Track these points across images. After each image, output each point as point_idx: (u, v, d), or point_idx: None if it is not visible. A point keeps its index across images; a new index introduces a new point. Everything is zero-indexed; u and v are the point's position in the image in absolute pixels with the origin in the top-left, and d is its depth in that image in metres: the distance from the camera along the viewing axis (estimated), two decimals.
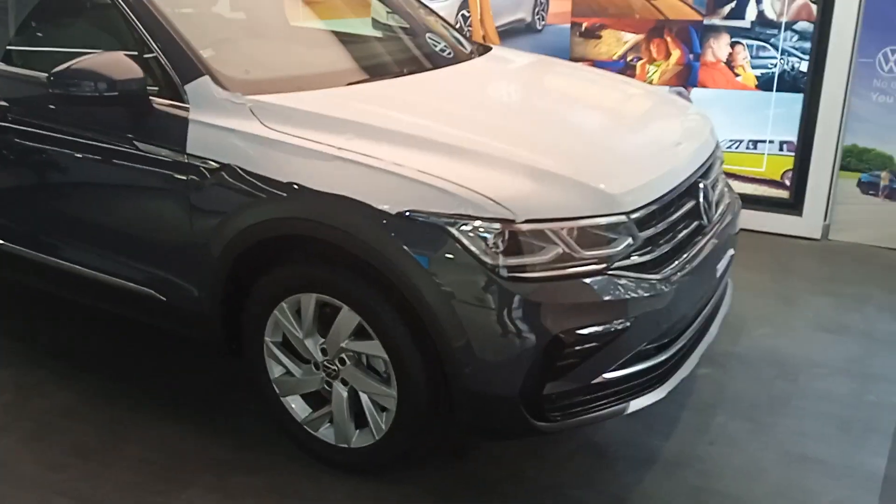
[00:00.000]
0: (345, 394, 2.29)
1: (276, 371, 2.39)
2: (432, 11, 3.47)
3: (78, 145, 2.52)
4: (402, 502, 2.28)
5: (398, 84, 2.64)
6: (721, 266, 2.52)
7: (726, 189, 2.83)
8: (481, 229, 1.98)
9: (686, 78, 4.36)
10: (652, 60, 4.43)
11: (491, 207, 1.97)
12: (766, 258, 4.00)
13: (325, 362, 2.29)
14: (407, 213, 2.00)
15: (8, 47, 2.75)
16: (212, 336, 2.47)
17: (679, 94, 4.36)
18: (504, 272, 1.98)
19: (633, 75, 4.46)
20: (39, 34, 2.90)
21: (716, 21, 4.20)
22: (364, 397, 2.27)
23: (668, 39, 4.34)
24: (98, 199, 2.58)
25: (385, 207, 2.01)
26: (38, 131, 2.60)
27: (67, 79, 2.29)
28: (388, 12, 3.34)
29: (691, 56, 4.32)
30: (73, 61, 2.29)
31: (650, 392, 2.24)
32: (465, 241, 1.98)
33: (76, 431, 2.59)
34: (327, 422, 2.37)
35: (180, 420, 2.64)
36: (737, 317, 3.28)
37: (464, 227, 1.98)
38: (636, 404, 2.20)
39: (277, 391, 2.41)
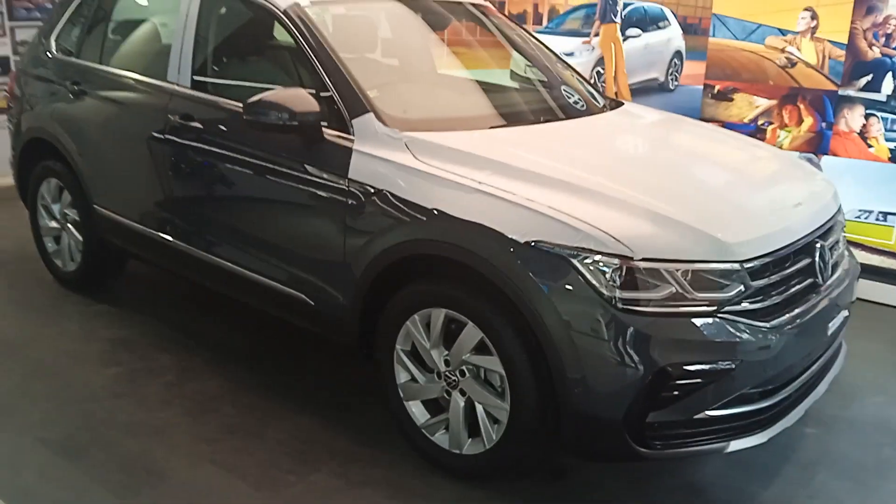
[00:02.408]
0: (462, 403, 2.52)
1: (402, 377, 2.67)
2: (569, 66, 3.73)
3: (256, 165, 2.92)
4: None
5: (535, 130, 2.91)
6: (833, 325, 2.60)
7: (846, 253, 2.90)
8: (601, 263, 2.19)
9: (817, 145, 4.40)
10: (783, 126, 4.50)
11: (611, 243, 2.19)
12: (887, 330, 3.94)
13: (447, 372, 2.54)
14: (533, 243, 2.24)
15: (205, 78, 3.22)
16: (350, 340, 2.78)
17: (809, 160, 4.40)
18: (619, 304, 2.18)
19: (763, 139, 4.54)
20: (233, 69, 3.37)
21: (851, 92, 4.24)
22: (479, 408, 2.49)
23: (802, 107, 4.41)
24: (267, 212, 2.97)
25: (515, 236, 2.26)
26: (224, 151, 3.04)
27: (258, 109, 2.69)
28: (527, 65, 3.64)
29: (824, 124, 4.36)
30: (264, 94, 2.70)
31: (752, 435, 2.35)
32: (586, 273, 2.19)
33: (225, 413, 2.96)
34: (443, 428, 2.61)
35: (314, 413, 2.96)
36: (850, 383, 3.28)
37: (585, 260, 2.20)
38: (736, 444, 2.32)
39: (401, 395, 2.68)
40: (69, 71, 3.80)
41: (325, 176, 2.70)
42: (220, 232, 3.17)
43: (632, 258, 2.18)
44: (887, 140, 4.21)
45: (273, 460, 2.67)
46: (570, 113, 3.25)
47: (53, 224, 4.03)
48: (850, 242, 4.08)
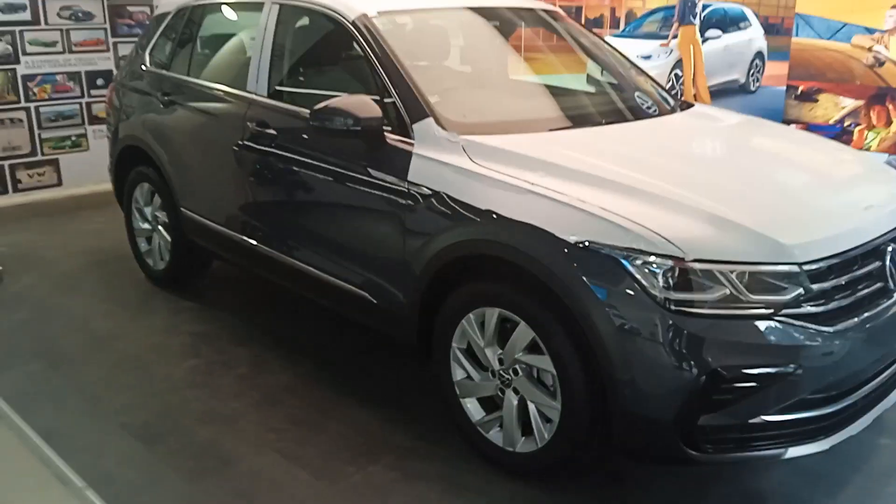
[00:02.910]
0: (515, 401, 2.55)
1: (458, 374, 2.72)
2: (638, 68, 3.70)
3: (324, 169, 3.05)
4: None
5: (595, 132, 2.91)
6: None
7: None
8: (652, 264, 2.18)
9: None
10: (871, 127, 4.31)
11: (662, 244, 2.17)
12: None
13: (501, 371, 2.58)
14: (585, 244, 2.25)
15: (280, 87, 3.39)
16: (409, 337, 2.85)
17: None
18: (671, 306, 2.16)
19: (849, 140, 4.36)
20: (304, 78, 3.53)
21: None
22: (532, 407, 2.51)
23: (891, 107, 4.21)
24: (333, 213, 3.09)
25: (566, 237, 2.28)
26: (294, 156, 3.18)
27: (324, 115, 2.81)
28: (596, 69, 3.63)
29: None
30: (329, 101, 2.82)
31: (812, 442, 2.28)
32: (637, 274, 2.18)
33: (291, 405, 3.09)
34: (497, 425, 2.64)
35: (374, 408, 3.05)
36: None
37: (636, 261, 2.19)
38: (795, 451, 2.25)
39: (458, 392, 2.73)
40: (161, 83, 4.05)
41: (386, 179, 2.79)
42: (292, 233, 3.31)
43: (683, 259, 2.16)
44: None
45: (334, 451, 2.77)
46: (636, 114, 3.23)
47: (146, 226, 4.30)
48: None
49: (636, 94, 3.45)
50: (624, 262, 2.20)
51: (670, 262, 2.16)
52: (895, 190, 2.77)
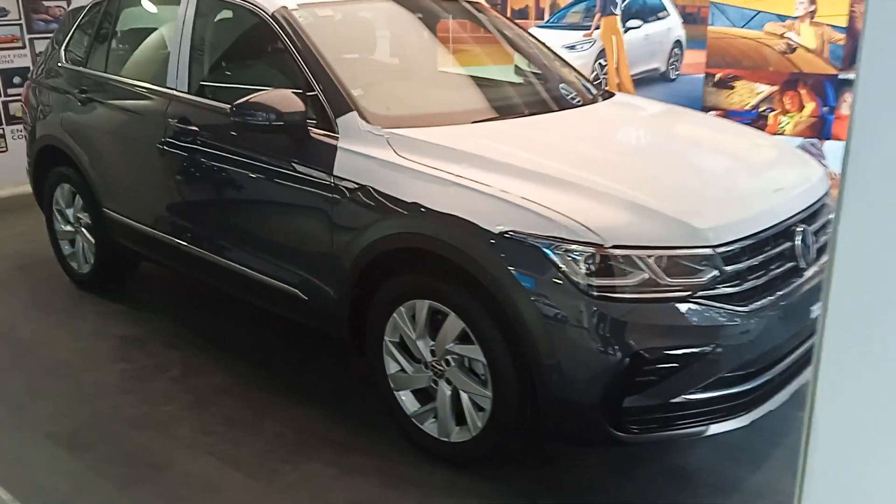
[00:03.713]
0: (448, 392, 2.58)
1: (392, 367, 2.73)
2: (560, 58, 3.76)
3: (248, 165, 3.01)
4: (491, 496, 2.52)
5: (518, 123, 2.95)
6: (817, 309, 2.60)
7: None
8: (574, 251, 2.23)
9: (819, 130, 4.37)
10: (785, 112, 4.48)
11: (582, 232, 2.23)
12: None
13: (433, 362, 2.61)
14: (508, 234, 2.29)
15: (201, 83, 3.33)
16: (342, 333, 2.85)
17: (812, 145, 4.38)
18: (593, 291, 2.22)
19: (765, 126, 4.53)
20: (227, 73, 3.48)
21: (852, 75, 4.20)
22: (464, 397, 2.55)
23: (803, 92, 4.39)
24: (260, 210, 3.06)
25: (490, 227, 2.32)
26: (217, 152, 3.14)
27: (246, 110, 2.78)
28: (519, 60, 3.68)
29: (826, 109, 4.34)
30: (251, 96, 2.79)
31: (732, 419, 2.37)
32: (559, 262, 2.24)
33: (226, 405, 3.06)
34: (432, 416, 2.67)
35: (310, 405, 3.04)
36: None
37: (558, 250, 2.24)
38: (716, 428, 2.34)
39: (392, 386, 2.75)
40: (78, 80, 3.93)
41: (312, 174, 2.78)
42: (220, 232, 3.27)
43: (603, 245, 2.22)
44: None
45: (270, 451, 2.76)
46: (560, 105, 3.29)
47: (68, 228, 4.18)
48: None
49: (560, 84, 3.51)
50: (546, 250, 2.25)
51: (591, 250, 2.22)
52: (806, 172, 2.90)
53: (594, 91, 3.55)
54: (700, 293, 2.26)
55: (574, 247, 2.23)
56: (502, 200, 2.35)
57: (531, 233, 2.27)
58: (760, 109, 4.55)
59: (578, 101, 3.36)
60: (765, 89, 4.52)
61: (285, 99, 2.77)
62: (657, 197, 2.38)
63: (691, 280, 2.26)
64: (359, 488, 2.57)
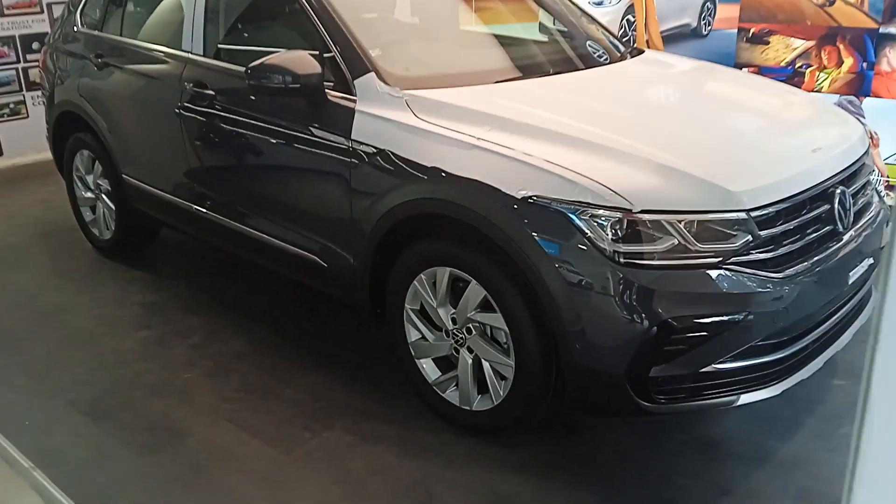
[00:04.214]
0: (469, 360, 2.52)
1: (412, 335, 2.68)
2: (590, 16, 3.62)
3: (266, 130, 2.94)
4: (513, 466, 2.47)
5: (543, 82, 2.84)
6: (856, 274, 2.49)
7: (875, 199, 2.77)
8: (601, 217, 2.14)
9: (858, 87, 4.19)
10: (822, 68, 4.29)
11: (609, 196, 2.13)
12: None
13: (455, 330, 2.54)
14: (532, 199, 2.20)
15: (217, 45, 3.25)
16: (362, 300, 2.80)
17: (850, 103, 4.20)
18: (620, 258, 2.13)
19: (801, 82, 4.34)
20: (244, 34, 3.39)
21: (893, 30, 4.01)
22: (486, 365, 2.49)
23: (841, 47, 4.19)
24: (278, 176, 2.99)
25: (512, 192, 2.23)
26: (234, 117, 3.06)
27: (261, 72, 2.70)
28: (546, 17, 3.54)
29: (865, 64, 4.14)
30: (266, 58, 2.70)
31: (764, 388, 2.29)
32: (585, 227, 2.15)
33: (245, 372, 3.03)
34: (454, 385, 2.62)
35: (330, 372, 3.01)
36: None
37: (584, 214, 2.15)
38: (747, 398, 2.26)
39: (413, 353, 2.69)
40: (94, 44, 3.87)
41: (329, 138, 2.70)
42: (238, 199, 3.22)
43: (631, 210, 2.12)
44: None
45: (288, 418, 2.73)
46: (586, 63, 3.16)
47: (89, 194, 4.15)
48: (891, 186, 3.91)
49: (587, 41, 3.38)
50: (572, 215, 2.16)
51: (618, 214, 2.13)
52: (844, 131, 2.76)
53: (622, 48, 3.41)
54: (732, 259, 2.16)
55: (600, 212, 2.14)
56: (525, 164, 2.25)
57: (555, 197, 2.18)
58: (797, 66, 4.37)
59: (606, 59, 3.23)
60: (801, 44, 4.33)
61: (301, 60, 2.68)
62: (688, 159, 2.27)
63: (723, 245, 2.16)
64: (378, 456, 2.54)
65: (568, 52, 3.32)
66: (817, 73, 4.32)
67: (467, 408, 2.57)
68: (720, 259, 2.15)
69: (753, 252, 2.19)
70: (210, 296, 3.70)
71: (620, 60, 3.25)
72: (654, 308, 2.12)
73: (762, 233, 2.20)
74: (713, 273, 2.14)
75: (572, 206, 2.16)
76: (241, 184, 3.19)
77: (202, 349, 3.22)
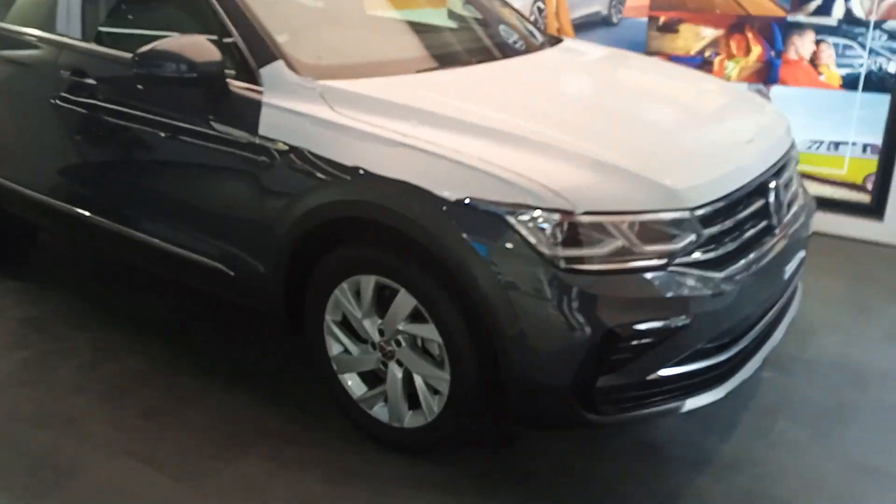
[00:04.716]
0: (399, 374, 2.32)
1: (334, 349, 2.45)
2: (506, 3, 3.46)
3: (159, 124, 2.62)
4: (448, 485, 2.30)
5: (466, 73, 2.65)
6: (790, 268, 2.45)
7: (800, 190, 2.74)
8: (540, 220, 1.98)
9: (766, 75, 4.23)
10: (731, 56, 4.31)
11: (550, 198, 1.97)
12: (843, 264, 3.86)
13: (382, 343, 2.34)
14: (466, 201, 2.02)
15: (99, 28, 2.88)
16: (275, 312, 2.55)
17: (758, 91, 4.23)
18: (561, 263, 1.98)
19: (710, 71, 4.35)
20: (129, 17, 3.03)
21: (801, 18, 4.06)
22: (418, 379, 2.30)
23: (750, 35, 4.22)
24: (175, 176, 2.68)
25: (445, 194, 2.04)
26: (122, 109, 2.72)
27: (151, 60, 2.39)
28: (463, 3, 3.36)
29: (773, 53, 4.19)
30: (157, 43, 2.39)
31: (708, 391, 2.20)
32: (524, 231, 1.98)
33: (144, 395, 2.72)
34: (382, 401, 2.41)
35: (241, 390, 2.74)
36: (807, 322, 3.18)
37: (522, 217, 1.98)
38: (692, 403, 2.17)
39: (335, 368, 2.47)
40: None
41: (233, 133, 2.42)
42: (129, 201, 2.88)
43: (573, 212, 1.97)
44: (838, 66, 4.06)
45: (196, 446, 2.46)
46: (505, 52, 2.99)
47: None
48: (801, 175, 3.95)
49: (502, 28, 3.21)
50: (509, 218, 1.99)
51: (559, 217, 1.97)
52: (772, 121, 2.72)
53: (540, 37, 3.27)
54: (677, 260, 2.05)
55: (540, 214, 1.98)
56: (457, 163, 2.06)
57: (491, 199, 2.00)
58: (706, 54, 4.37)
59: (525, 49, 3.08)
60: (710, 33, 4.33)
61: (198, 46, 2.39)
62: (628, 155, 2.14)
63: (668, 247, 2.04)
64: (300, 485, 2.31)
65: (485, 41, 3.14)
66: (726, 61, 4.34)
67: (398, 425, 2.38)
68: (665, 261, 2.04)
69: (697, 252, 2.09)
70: (100, 308, 3.32)
71: (540, 49, 3.10)
72: (599, 316, 1.98)
73: (705, 231, 2.10)
74: (657, 276, 2.03)
75: (510, 209, 1.99)
76: (128, 184, 2.85)
77: (92, 370, 2.88)
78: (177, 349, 3.01)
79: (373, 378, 2.44)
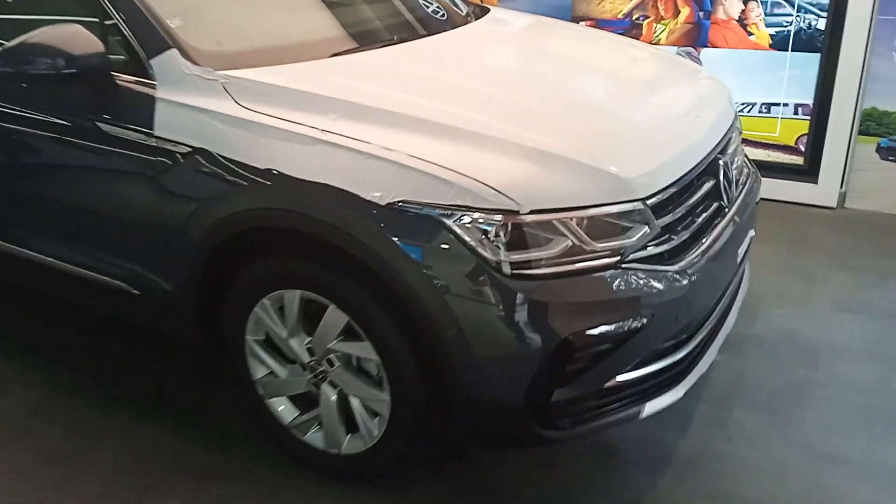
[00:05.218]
0: (333, 397, 2.10)
1: (259, 371, 2.21)
2: None
3: (41, 128, 2.28)
4: None
5: (387, 54, 2.38)
6: (741, 250, 2.32)
7: (745, 162, 2.62)
8: (481, 221, 1.76)
9: (696, 37, 4.10)
10: (659, 19, 4.16)
11: (491, 196, 1.76)
12: (781, 229, 3.80)
13: (313, 363, 2.10)
14: (398, 204, 1.79)
15: None
16: (189, 333, 2.27)
17: (689, 55, 4.11)
18: (507, 269, 1.77)
19: (639, 35, 4.20)
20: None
21: None
22: (354, 401, 2.08)
23: None
24: (62, 186, 2.35)
25: (374, 197, 1.80)
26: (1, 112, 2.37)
27: (20, 56, 2.05)
28: None
29: (701, 14, 4.06)
30: (26, 35, 2.05)
31: (667, 392, 2.06)
32: (464, 235, 1.77)
33: (44, 434, 2.41)
34: (316, 425, 2.19)
35: (156, 420, 2.46)
36: (752, 294, 3.07)
37: (462, 220, 1.77)
38: (652, 407, 2.02)
39: (261, 392, 2.22)
40: None
41: (125, 135, 2.11)
42: (11, 216, 2.53)
43: (517, 212, 1.76)
44: (768, 26, 3.96)
45: (108, 493, 2.18)
46: (429, 27, 2.74)
47: None
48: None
49: (425, 1, 2.95)
50: (447, 221, 1.77)
51: (502, 217, 1.76)
52: (715, 91, 2.57)
53: (464, 7, 3.02)
54: (630, 256, 1.88)
55: (482, 215, 1.76)
56: (385, 161, 1.82)
57: (426, 202, 1.77)
58: (634, 17, 4.21)
59: (449, 22, 2.83)
60: None
61: (75, 37, 2.06)
62: (571, 142, 1.94)
63: (619, 242, 1.86)
64: None
65: (406, 16, 2.87)
66: (655, 24, 4.19)
67: (335, 451, 2.16)
68: (618, 258, 1.86)
69: (650, 245, 1.92)
70: None
71: (465, 23, 2.86)
72: (551, 324, 1.80)
73: (658, 222, 1.93)
74: (612, 275, 1.85)
75: (447, 210, 1.77)
76: (15, 197, 2.50)
77: None
78: (82, 375, 2.69)
79: (304, 401, 2.20)
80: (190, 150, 2.03)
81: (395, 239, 1.79)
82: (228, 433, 2.39)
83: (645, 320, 1.88)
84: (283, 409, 2.21)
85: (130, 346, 2.87)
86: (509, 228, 1.77)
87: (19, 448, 2.36)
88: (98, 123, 2.15)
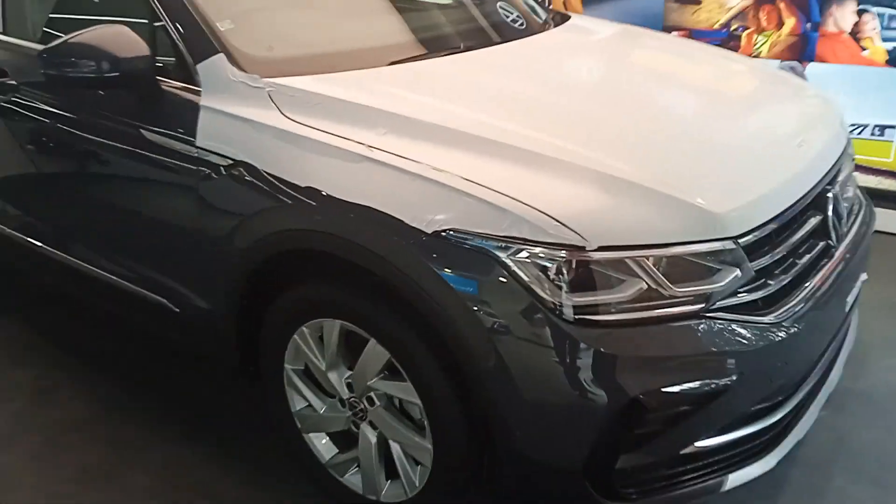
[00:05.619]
0: (373, 439, 1.90)
1: (297, 403, 2.03)
2: None
3: (86, 133, 2.19)
4: None
5: (451, 63, 2.18)
6: (851, 297, 2.00)
7: (857, 194, 2.29)
8: (541, 256, 1.53)
9: (801, 51, 3.73)
10: (761, 30, 3.81)
11: (553, 229, 1.53)
12: (892, 266, 3.38)
13: (352, 400, 1.91)
14: (446, 233, 1.58)
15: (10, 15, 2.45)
16: (226, 356, 2.13)
17: (792, 69, 3.74)
18: (569, 313, 1.53)
19: (737, 47, 3.86)
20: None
21: None
22: (395, 446, 1.88)
23: (781, 6, 3.72)
24: (103, 193, 2.26)
25: (418, 224, 1.59)
26: (39, 115, 2.30)
27: (62, 57, 1.95)
28: None
29: (808, 25, 3.69)
30: (69, 36, 1.95)
31: (755, 462, 1.78)
32: (519, 272, 1.54)
33: (82, 449, 2.31)
34: (355, 466, 2.00)
35: (195, 444, 2.32)
36: (860, 342, 2.70)
37: (518, 255, 1.54)
38: (737, 478, 1.74)
39: (299, 426, 2.05)
40: None
41: (168, 144, 1.99)
42: (59, 221, 2.47)
43: (584, 248, 1.52)
44: (884, 40, 3.56)
45: None
46: (502, 34, 2.52)
47: None
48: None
49: (500, 5, 2.73)
50: (500, 255, 1.55)
51: (566, 254, 1.52)
52: (824, 112, 2.25)
53: (543, 14, 2.79)
54: (717, 304, 1.60)
55: (542, 250, 1.53)
56: (435, 183, 1.62)
57: (477, 231, 1.56)
58: (732, 28, 3.88)
59: (527, 29, 2.60)
60: (736, 3, 3.83)
61: (120, 39, 1.94)
62: (649, 167, 1.68)
63: (705, 287, 1.59)
64: None
65: (479, 22, 2.65)
66: (755, 35, 3.84)
67: (373, 497, 1.96)
68: (702, 305, 1.59)
69: (741, 292, 1.64)
70: (44, 339, 2.91)
71: (544, 30, 2.63)
72: (619, 381, 1.55)
73: (752, 264, 1.65)
74: (695, 325, 1.58)
75: (502, 243, 1.55)
76: (62, 203, 2.43)
77: (30, 417, 2.47)
78: (124, 390, 2.59)
79: (345, 437, 2.01)
80: (231, 162, 1.88)
81: (440, 272, 1.58)
82: (265, 468, 2.23)
83: (732, 380, 1.60)
84: (322, 445, 2.03)
85: (178, 361, 2.75)
86: (573, 266, 1.53)
87: (56, 463, 2.27)
88: (141, 130, 2.03)
